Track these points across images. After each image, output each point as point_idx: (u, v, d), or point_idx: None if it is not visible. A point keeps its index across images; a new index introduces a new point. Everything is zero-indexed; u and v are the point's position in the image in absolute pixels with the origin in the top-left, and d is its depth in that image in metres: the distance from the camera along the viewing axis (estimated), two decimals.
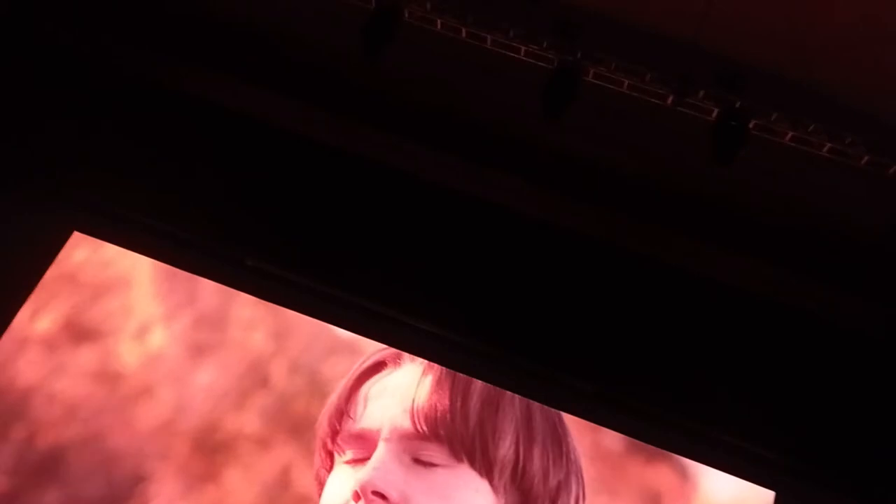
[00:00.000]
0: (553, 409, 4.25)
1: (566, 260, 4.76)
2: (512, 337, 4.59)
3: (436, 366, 4.25)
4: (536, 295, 4.67)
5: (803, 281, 4.62)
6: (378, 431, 3.97)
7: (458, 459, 3.95)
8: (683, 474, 4.33)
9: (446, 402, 4.07)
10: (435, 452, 3.94)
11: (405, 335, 4.47)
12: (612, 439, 4.37)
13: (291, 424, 4.26)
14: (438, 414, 4.02)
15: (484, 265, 4.72)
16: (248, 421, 4.28)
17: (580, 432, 4.23)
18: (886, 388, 4.44)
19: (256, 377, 4.40)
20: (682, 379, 4.47)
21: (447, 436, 3.98)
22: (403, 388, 4.14)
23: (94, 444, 4.19)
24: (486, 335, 4.58)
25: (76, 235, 4.72)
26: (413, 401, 4.06)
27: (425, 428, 3.97)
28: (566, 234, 4.79)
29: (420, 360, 4.27)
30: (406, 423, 3.99)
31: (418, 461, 3.94)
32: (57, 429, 4.22)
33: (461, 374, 4.22)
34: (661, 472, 4.31)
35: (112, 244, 4.71)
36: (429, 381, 4.16)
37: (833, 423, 4.38)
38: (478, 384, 4.21)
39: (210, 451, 4.20)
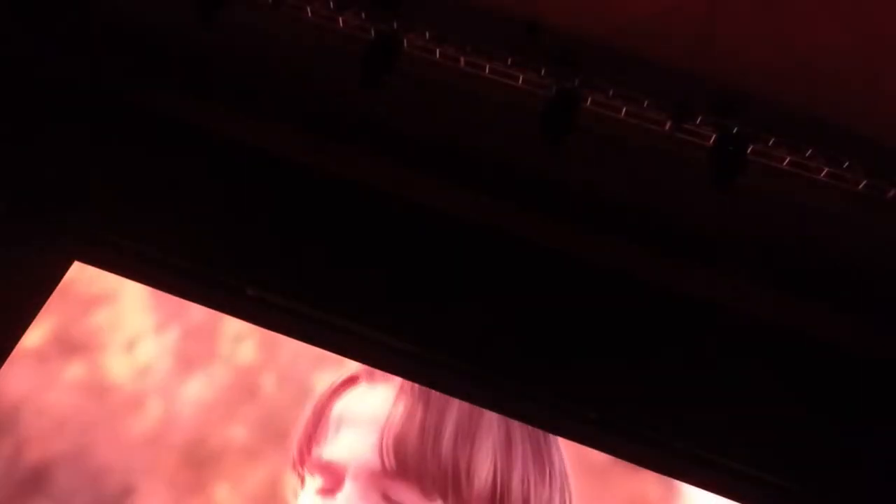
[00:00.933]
0: None
1: (561, 284, 4.74)
2: (517, 364, 4.52)
3: (408, 390, 4.11)
4: (534, 319, 4.63)
5: (802, 304, 4.61)
6: (345, 467, 3.87)
7: (430, 499, 3.82)
8: (668, 485, 4.31)
9: (418, 436, 3.92)
10: (404, 491, 3.81)
11: (410, 365, 4.39)
12: None
13: (280, 436, 4.21)
14: (409, 450, 3.87)
15: (483, 291, 4.68)
16: (237, 433, 4.25)
17: (564, 442, 4.23)
18: (881, 410, 4.42)
19: (245, 389, 4.38)
20: (675, 401, 4.41)
21: (417, 474, 3.83)
22: (373, 417, 4.00)
23: (82, 457, 4.17)
24: (489, 363, 4.51)
25: (76, 265, 4.71)
26: (382, 434, 3.92)
27: (395, 465, 3.84)
28: (563, 259, 4.77)
29: (393, 381, 4.17)
30: (374, 460, 3.86)
31: (388, 499, 3.82)
32: (45, 442, 4.20)
33: (435, 400, 4.07)
34: (647, 482, 4.30)
35: (112, 273, 4.70)
36: (400, 410, 4.01)
37: (828, 445, 4.37)
38: (453, 411, 4.06)
39: (198, 464, 4.18)
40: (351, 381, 4.17)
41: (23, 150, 4.91)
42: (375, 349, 4.44)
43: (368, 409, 4.04)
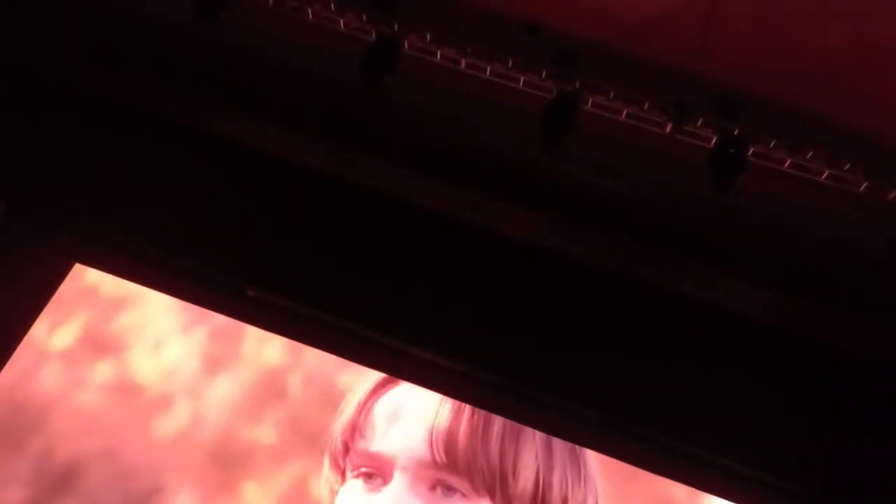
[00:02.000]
0: None
1: (561, 285, 4.72)
2: (517, 365, 4.52)
3: None
4: (533, 320, 4.63)
5: (802, 305, 4.57)
6: (394, 459, 3.95)
7: (478, 494, 3.90)
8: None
9: (467, 431, 4.02)
10: (454, 484, 3.90)
11: (410, 366, 4.43)
12: None
13: (307, 436, 4.27)
14: (459, 445, 3.98)
15: (483, 292, 4.69)
16: (264, 433, 4.32)
17: None
18: (882, 411, 4.39)
19: (272, 389, 4.44)
20: (683, 404, 4.38)
21: (467, 469, 3.92)
22: (422, 411, 4.11)
23: (111, 456, 4.24)
24: (489, 364, 4.50)
25: (77, 267, 4.76)
26: (432, 428, 4.02)
27: (445, 458, 3.93)
28: (566, 261, 4.75)
29: None
30: (424, 452, 3.95)
31: (435, 491, 3.91)
32: (75, 441, 4.28)
33: None
34: (674, 483, 4.29)
35: (112, 275, 4.74)
36: (448, 407, 4.12)
37: (828, 447, 4.33)
38: None
39: (226, 463, 4.25)
40: (392, 379, 4.27)
41: (22, 150, 4.94)
42: (375, 350, 4.47)
43: (415, 405, 4.15)
